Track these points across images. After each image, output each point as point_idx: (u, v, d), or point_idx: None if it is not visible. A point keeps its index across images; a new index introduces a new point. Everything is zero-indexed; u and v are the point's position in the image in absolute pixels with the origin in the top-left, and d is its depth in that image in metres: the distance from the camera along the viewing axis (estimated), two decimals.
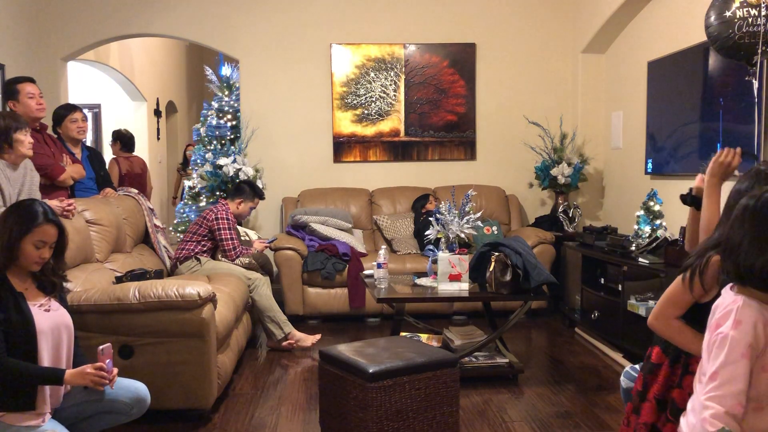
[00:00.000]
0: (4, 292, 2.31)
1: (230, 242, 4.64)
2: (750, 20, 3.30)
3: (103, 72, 7.55)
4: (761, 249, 1.59)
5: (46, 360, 2.32)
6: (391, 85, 6.27)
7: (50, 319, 2.37)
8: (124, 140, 6.32)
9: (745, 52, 3.37)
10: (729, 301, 1.64)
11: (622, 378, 2.44)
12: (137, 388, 2.53)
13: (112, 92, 8.17)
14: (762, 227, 1.61)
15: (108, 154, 6.66)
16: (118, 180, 5.95)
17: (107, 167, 6.07)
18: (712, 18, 3.42)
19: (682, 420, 1.76)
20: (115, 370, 2.38)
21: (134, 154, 6.52)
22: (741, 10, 3.30)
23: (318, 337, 4.69)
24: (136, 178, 6.18)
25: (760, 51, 3.33)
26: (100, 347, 2.36)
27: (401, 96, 6.29)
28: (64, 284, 2.58)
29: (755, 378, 1.59)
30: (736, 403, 1.56)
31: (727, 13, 3.33)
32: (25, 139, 3.33)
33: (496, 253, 3.87)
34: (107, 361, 2.35)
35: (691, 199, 2.48)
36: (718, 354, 1.59)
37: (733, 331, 1.58)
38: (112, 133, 6.52)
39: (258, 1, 6.17)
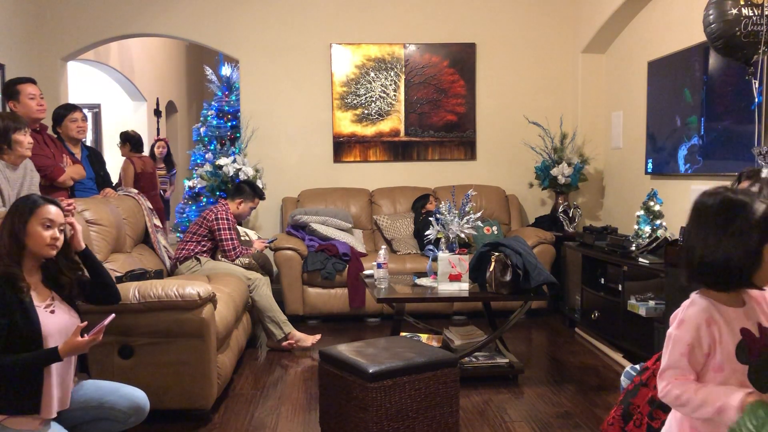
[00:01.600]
0: (12, 294, 2.26)
1: (230, 242, 4.64)
2: (754, 19, 3.30)
3: (103, 72, 7.56)
4: (701, 241, 1.59)
5: (53, 366, 2.29)
6: (391, 85, 6.27)
7: (57, 322, 2.34)
8: (133, 141, 6.33)
9: (748, 51, 3.36)
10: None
11: (622, 378, 2.45)
12: (136, 396, 2.50)
13: (112, 92, 8.18)
14: (702, 220, 1.61)
15: (108, 155, 6.67)
16: (134, 179, 5.95)
17: (122, 168, 6.11)
18: (714, 16, 3.40)
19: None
20: (99, 336, 2.33)
21: (144, 154, 6.54)
22: (746, 8, 3.29)
23: (318, 337, 4.69)
24: (149, 177, 6.19)
25: (761, 51, 3.33)
26: (106, 321, 2.34)
27: (401, 96, 6.29)
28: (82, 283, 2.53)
29: (710, 378, 1.59)
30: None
31: (733, 11, 3.31)
32: (24, 140, 3.33)
33: (496, 253, 3.87)
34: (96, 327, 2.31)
35: None
36: (665, 353, 1.61)
37: (675, 330, 1.60)
38: (120, 135, 6.50)
39: (258, 1, 6.17)
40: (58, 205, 2.43)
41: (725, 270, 1.55)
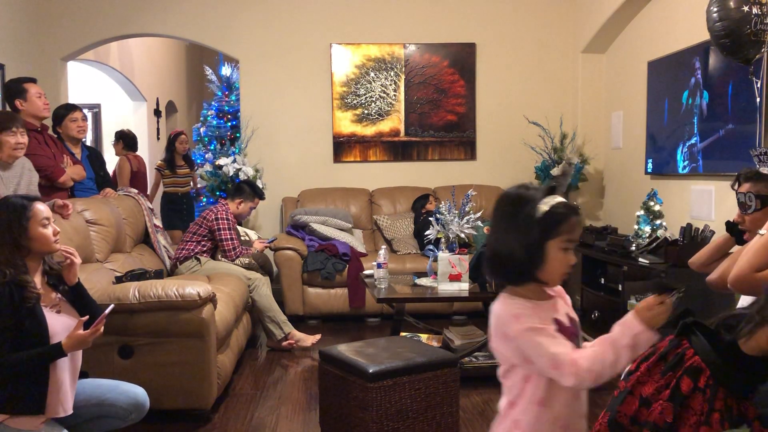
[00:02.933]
0: (21, 297, 2.24)
1: (230, 242, 4.64)
2: (762, 18, 3.28)
3: (103, 72, 7.55)
4: (493, 235, 1.59)
5: (59, 362, 2.29)
6: (391, 85, 6.27)
7: (63, 321, 2.34)
8: (126, 140, 6.32)
9: (752, 50, 3.35)
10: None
11: (622, 380, 2.42)
12: (136, 393, 2.51)
13: (112, 92, 8.16)
14: (497, 214, 1.59)
15: (108, 155, 6.66)
16: (129, 178, 5.94)
17: (117, 166, 6.10)
18: (722, 13, 3.35)
19: None
20: (100, 327, 2.31)
21: (138, 153, 6.53)
22: (755, 6, 3.28)
23: (318, 337, 4.69)
24: (142, 177, 6.18)
25: (764, 50, 3.32)
26: (106, 312, 2.32)
27: (401, 96, 6.28)
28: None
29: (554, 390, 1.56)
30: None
31: (745, 8, 3.29)
32: (11, 141, 3.26)
33: None
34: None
35: (739, 231, 2.53)
36: (535, 357, 1.51)
37: (521, 333, 1.52)
38: (115, 133, 6.51)
39: (258, 1, 6.17)
40: (38, 199, 2.42)
41: (509, 263, 1.54)
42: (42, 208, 2.36)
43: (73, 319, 2.37)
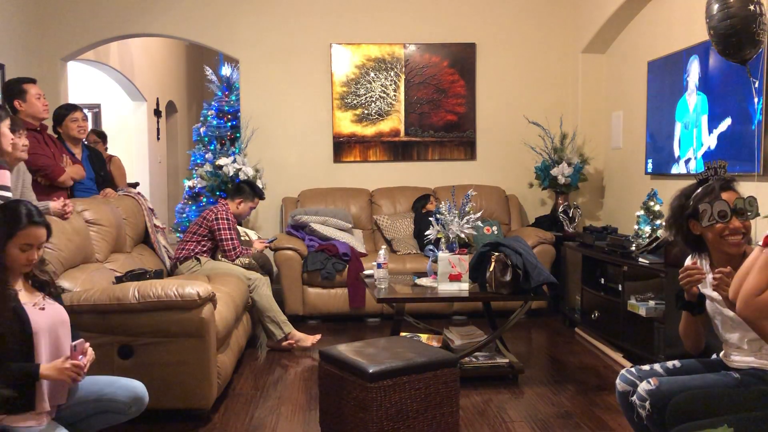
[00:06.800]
0: (1, 295, 2.27)
1: (230, 242, 4.64)
2: (761, 18, 3.28)
3: (103, 72, 7.55)
4: None
5: (44, 358, 2.30)
6: (391, 85, 6.27)
7: (46, 318, 2.35)
8: (104, 138, 6.08)
9: (752, 50, 3.34)
10: None
11: (618, 381, 2.41)
12: (135, 387, 2.52)
13: (112, 92, 8.17)
14: None
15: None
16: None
17: (115, 165, 6.03)
18: (727, 11, 3.33)
19: None
20: (87, 366, 2.32)
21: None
22: (757, 6, 3.27)
23: (318, 337, 4.69)
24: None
25: (764, 49, 3.32)
26: (73, 343, 2.31)
27: (401, 96, 6.28)
28: (57, 282, 2.55)
29: None
30: None
31: (751, 7, 3.27)
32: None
33: (496, 253, 3.87)
34: (80, 357, 2.29)
35: (687, 305, 2.36)
36: None
37: None
38: (97, 133, 6.19)
39: (258, 2, 6.17)
40: (47, 227, 2.40)
41: None
42: (36, 233, 2.34)
43: (58, 316, 2.40)
